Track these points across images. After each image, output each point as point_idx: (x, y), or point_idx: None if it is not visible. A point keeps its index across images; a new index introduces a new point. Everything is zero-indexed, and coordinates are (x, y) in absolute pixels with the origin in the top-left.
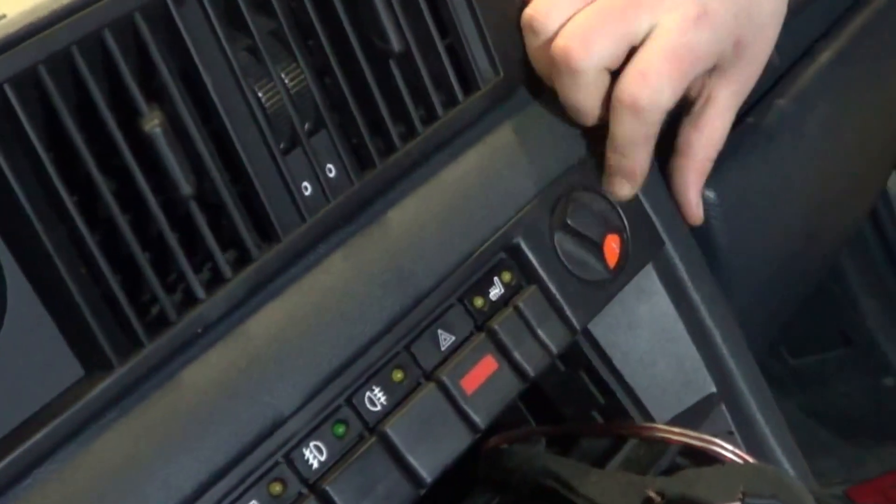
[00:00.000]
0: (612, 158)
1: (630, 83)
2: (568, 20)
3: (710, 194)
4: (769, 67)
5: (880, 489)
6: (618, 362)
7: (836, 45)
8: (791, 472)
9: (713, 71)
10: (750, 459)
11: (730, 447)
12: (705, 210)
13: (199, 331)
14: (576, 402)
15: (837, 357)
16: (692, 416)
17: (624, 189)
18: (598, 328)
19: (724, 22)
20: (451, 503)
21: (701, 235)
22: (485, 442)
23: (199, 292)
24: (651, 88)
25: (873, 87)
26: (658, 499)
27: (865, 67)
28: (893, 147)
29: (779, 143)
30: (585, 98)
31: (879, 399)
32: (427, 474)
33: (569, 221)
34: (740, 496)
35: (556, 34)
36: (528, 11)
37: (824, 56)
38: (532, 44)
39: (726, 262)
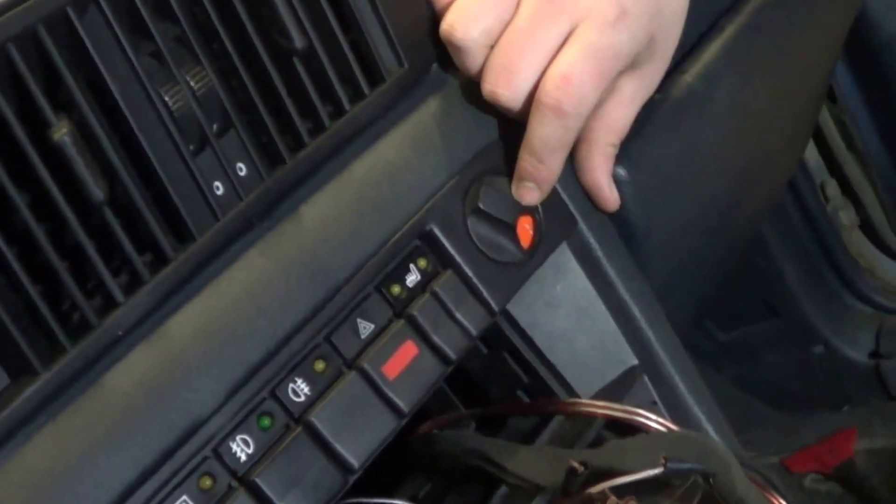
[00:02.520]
0: (526, 162)
1: (553, 87)
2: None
3: (622, 172)
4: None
5: (815, 456)
6: (539, 341)
7: (741, 19)
8: (716, 438)
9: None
10: (674, 428)
11: (654, 417)
12: (617, 187)
13: (121, 333)
14: (501, 383)
15: (766, 329)
16: (616, 390)
17: (532, 195)
18: (516, 309)
19: (641, 22)
20: (385, 492)
21: (615, 213)
22: (415, 429)
23: (118, 296)
24: (575, 91)
25: (780, 59)
26: (581, 468)
27: (771, 40)
28: (807, 117)
29: (687, 117)
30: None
31: (810, 367)
32: (355, 460)
33: (481, 206)
34: (662, 462)
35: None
36: (447, 21)
37: (729, 30)
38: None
39: (643, 237)
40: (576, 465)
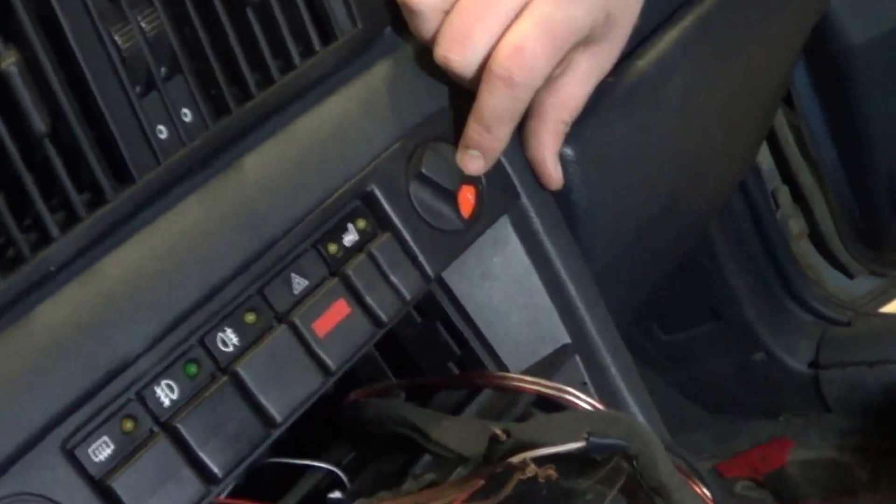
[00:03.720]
0: (474, 131)
1: (505, 57)
2: None
3: (569, 151)
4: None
5: (749, 462)
6: (473, 313)
7: (700, 10)
8: (643, 421)
9: (579, 42)
10: (601, 408)
11: (583, 396)
12: (563, 167)
13: (53, 269)
14: (433, 354)
15: (707, 332)
16: (546, 367)
17: (476, 164)
18: (452, 279)
19: None
20: (311, 456)
21: (559, 192)
22: (345, 397)
23: (53, 231)
24: (527, 63)
25: (736, 56)
26: (503, 436)
27: (729, 36)
28: (761, 119)
29: (638, 103)
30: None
31: (750, 374)
32: (278, 414)
33: (424, 171)
34: (585, 437)
35: None
36: None
37: (688, 20)
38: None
39: (586, 220)
40: (498, 432)
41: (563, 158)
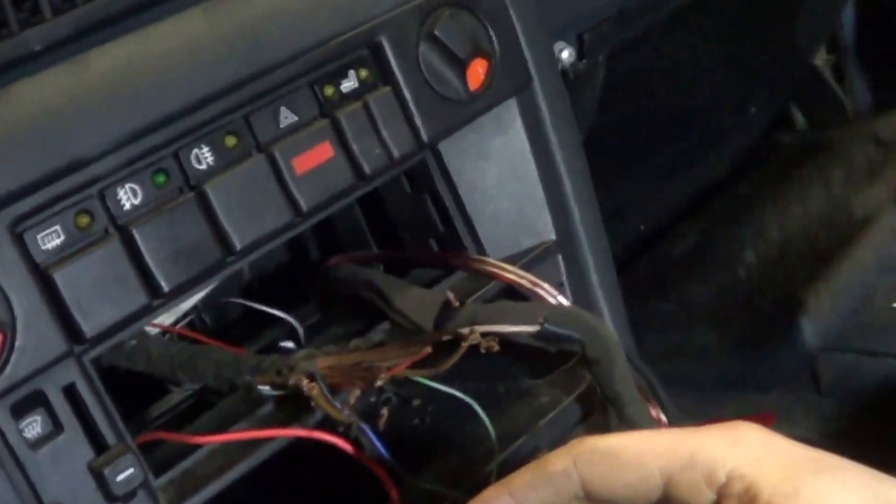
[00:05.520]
0: None
1: None
2: None
3: None
4: None
5: None
6: (462, 191)
7: None
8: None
9: None
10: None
11: (555, 293)
12: None
13: (38, 48)
14: (417, 227)
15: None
16: (527, 260)
17: None
18: (449, 152)
19: None
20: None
21: None
22: (325, 262)
23: (47, 12)
24: None
25: None
26: (456, 302)
27: None
28: None
29: None
30: None
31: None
32: (238, 241)
33: (437, 33)
34: (541, 321)
35: None
36: None
37: None
38: None
39: None
40: (451, 297)
41: None
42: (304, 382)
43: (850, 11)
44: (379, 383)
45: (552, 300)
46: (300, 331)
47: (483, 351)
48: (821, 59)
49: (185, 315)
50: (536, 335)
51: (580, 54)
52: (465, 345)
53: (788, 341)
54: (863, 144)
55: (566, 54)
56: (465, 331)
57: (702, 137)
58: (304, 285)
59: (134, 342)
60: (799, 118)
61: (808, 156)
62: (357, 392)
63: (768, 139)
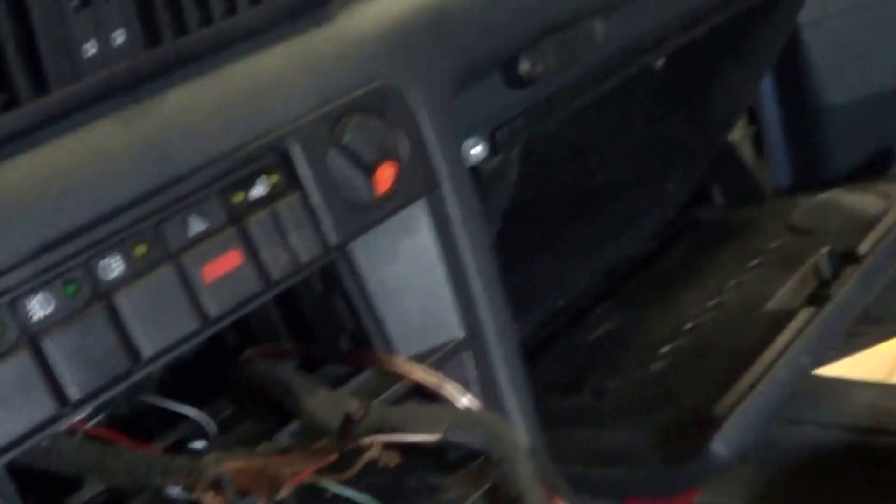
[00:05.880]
0: None
1: None
2: None
3: None
4: None
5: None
6: (372, 291)
7: None
8: (523, 431)
9: None
10: (478, 406)
11: (462, 392)
12: None
13: None
14: (329, 325)
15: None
16: (435, 359)
17: None
18: (358, 252)
19: None
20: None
21: None
22: (241, 354)
23: None
24: None
25: None
26: (357, 415)
27: None
28: None
29: None
30: None
31: None
32: (148, 349)
33: (345, 140)
34: (442, 429)
35: None
36: None
37: None
38: None
39: None
40: (352, 410)
41: None
42: (209, 496)
43: (770, 83)
44: (285, 492)
45: (459, 399)
46: (210, 429)
47: (381, 466)
48: (741, 131)
49: (97, 410)
50: (437, 443)
51: (493, 150)
52: (366, 455)
53: (700, 453)
54: (778, 230)
55: (478, 150)
56: (367, 441)
57: (619, 214)
58: (220, 376)
59: (46, 442)
60: (718, 194)
61: (725, 236)
62: (263, 500)
63: (686, 215)
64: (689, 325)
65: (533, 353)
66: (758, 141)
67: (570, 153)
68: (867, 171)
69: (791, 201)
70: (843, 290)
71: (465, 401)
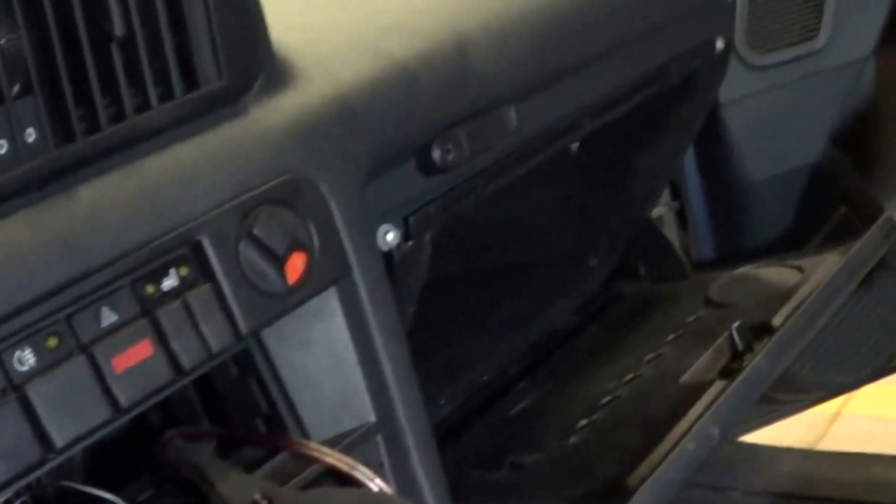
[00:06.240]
0: None
1: None
2: None
3: None
4: None
5: None
6: (285, 376)
7: None
8: None
9: None
10: (389, 491)
11: (374, 476)
12: None
13: None
14: (244, 408)
15: None
16: (347, 443)
17: None
18: (271, 339)
19: None
20: (113, 488)
21: None
22: (161, 436)
23: None
24: None
25: None
26: (263, 501)
27: None
28: None
29: None
30: None
31: None
32: (59, 440)
33: (255, 231)
34: None
35: None
36: None
37: None
38: None
39: None
40: (257, 497)
41: None
42: None
43: (692, 158)
44: None
45: (370, 483)
46: None
47: None
48: (664, 207)
49: (17, 494)
50: None
51: (406, 235)
52: None
53: None
54: (696, 304)
55: (391, 237)
56: None
57: (543, 289)
58: (142, 458)
59: None
60: (641, 268)
61: (645, 310)
62: None
63: (610, 289)
64: (606, 399)
65: (456, 429)
66: (681, 216)
67: (492, 231)
68: (786, 245)
69: (710, 276)
70: (755, 362)
71: (376, 484)
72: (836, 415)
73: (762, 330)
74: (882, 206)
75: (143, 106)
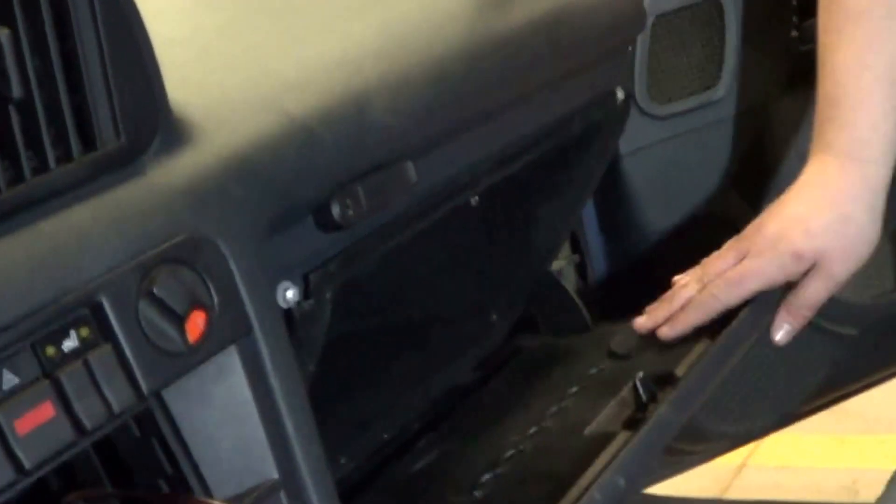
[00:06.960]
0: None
1: None
2: None
3: None
4: None
5: None
6: (187, 435)
7: None
8: None
9: None
10: None
11: None
12: None
13: None
14: (147, 468)
15: None
16: (250, 501)
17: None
18: (172, 398)
19: None
20: None
21: None
22: (64, 498)
23: None
24: None
25: None
26: None
27: None
28: None
29: None
30: None
31: None
32: None
33: (155, 291)
34: None
35: None
36: None
37: None
38: None
39: None
40: None
41: None
42: None
43: (592, 211)
44: None
45: None
46: None
47: None
48: (563, 260)
49: None
50: None
51: (306, 293)
52: None
53: None
54: (598, 356)
55: (291, 294)
56: None
57: (445, 346)
58: None
59: None
60: (542, 322)
61: (547, 363)
62: None
63: (511, 344)
64: (510, 453)
65: (357, 487)
66: (581, 268)
67: (392, 288)
68: None
69: (612, 328)
70: (659, 412)
71: None
72: (742, 465)
73: (666, 380)
74: None
75: (41, 168)
